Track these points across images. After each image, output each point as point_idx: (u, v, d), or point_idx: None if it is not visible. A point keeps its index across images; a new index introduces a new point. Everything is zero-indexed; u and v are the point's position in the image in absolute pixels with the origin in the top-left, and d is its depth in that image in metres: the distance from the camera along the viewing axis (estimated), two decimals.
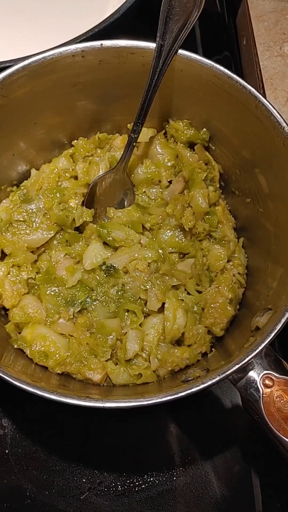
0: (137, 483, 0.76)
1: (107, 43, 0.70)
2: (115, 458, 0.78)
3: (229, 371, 0.55)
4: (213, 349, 0.72)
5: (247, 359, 0.55)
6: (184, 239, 0.77)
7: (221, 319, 0.72)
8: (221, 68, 0.69)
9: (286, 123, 0.67)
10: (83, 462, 0.77)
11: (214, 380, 0.54)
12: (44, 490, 0.76)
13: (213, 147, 0.80)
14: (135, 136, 0.73)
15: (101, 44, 0.70)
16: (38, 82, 0.71)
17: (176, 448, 0.78)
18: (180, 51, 0.70)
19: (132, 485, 0.76)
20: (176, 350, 0.70)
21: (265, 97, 0.65)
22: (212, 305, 0.72)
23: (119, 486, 0.76)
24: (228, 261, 0.77)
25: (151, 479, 0.77)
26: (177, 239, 0.77)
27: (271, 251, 0.73)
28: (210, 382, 0.54)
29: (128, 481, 0.76)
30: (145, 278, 0.73)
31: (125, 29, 0.69)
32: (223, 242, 0.77)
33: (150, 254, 0.74)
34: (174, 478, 0.77)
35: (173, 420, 0.80)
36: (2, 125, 0.73)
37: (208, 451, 0.78)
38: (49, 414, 0.79)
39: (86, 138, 0.81)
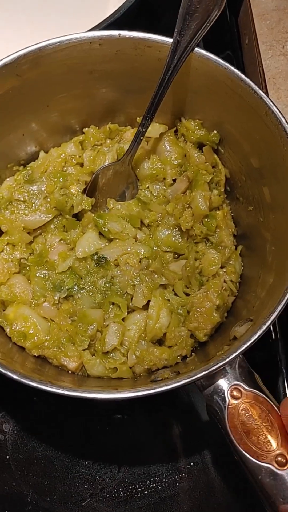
0: (139, 489, 0.76)
1: (125, 33, 0.70)
2: (117, 464, 0.78)
3: (195, 377, 0.54)
4: (193, 353, 0.71)
5: (215, 367, 0.54)
6: (180, 240, 0.76)
7: (206, 324, 0.71)
8: (235, 70, 0.68)
9: None
10: (84, 468, 0.77)
11: (178, 384, 0.54)
12: (46, 497, 0.75)
13: (222, 151, 0.79)
14: (143, 130, 0.73)
15: (119, 34, 0.70)
16: (54, 65, 0.71)
17: (179, 453, 0.78)
18: (197, 49, 0.69)
19: (134, 491, 0.76)
20: (155, 350, 0.70)
21: (268, 97, 0.64)
22: (198, 309, 0.71)
23: (121, 492, 0.76)
24: (222, 267, 0.76)
25: (154, 485, 0.76)
26: (173, 238, 0.77)
27: (265, 262, 0.71)
28: (173, 385, 0.54)
29: (130, 487, 0.76)
30: (135, 274, 0.72)
31: (126, 29, 0.69)
32: (220, 247, 0.76)
33: (142, 250, 0.73)
34: (177, 484, 0.76)
35: (177, 424, 0.79)
36: (14, 104, 0.73)
37: (212, 455, 0.78)
38: (50, 420, 0.79)
39: (97, 127, 0.81)
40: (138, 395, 0.54)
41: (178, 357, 0.71)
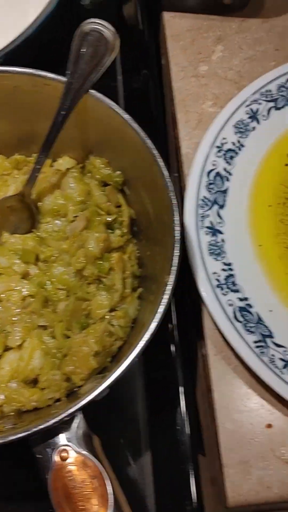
0: None
1: (20, 70, 0.69)
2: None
3: (20, 435, 0.53)
4: (63, 398, 0.70)
5: (40, 427, 0.53)
6: (73, 279, 0.75)
7: (82, 369, 0.69)
8: (126, 115, 0.67)
9: (173, 191, 0.63)
10: None
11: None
12: None
13: (128, 191, 0.78)
14: (38, 167, 0.72)
15: (14, 70, 0.69)
16: None
17: None
18: (91, 92, 0.68)
19: None
20: (25, 391, 0.69)
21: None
22: (75, 354, 0.70)
23: None
24: (111, 311, 0.74)
25: None
26: (67, 276, 0.75)
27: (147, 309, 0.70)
28: None
29: None
30: (16, 312, 0.71)
31: (45, 42, 0.67)
32: (112, 290, 0.75)
33: (26, 289, 0.72)
34: None
35: None
36: None
37: None
38: None
39: (7, 157, 0.81)
40: None
41: (50, 400, 0.69)
